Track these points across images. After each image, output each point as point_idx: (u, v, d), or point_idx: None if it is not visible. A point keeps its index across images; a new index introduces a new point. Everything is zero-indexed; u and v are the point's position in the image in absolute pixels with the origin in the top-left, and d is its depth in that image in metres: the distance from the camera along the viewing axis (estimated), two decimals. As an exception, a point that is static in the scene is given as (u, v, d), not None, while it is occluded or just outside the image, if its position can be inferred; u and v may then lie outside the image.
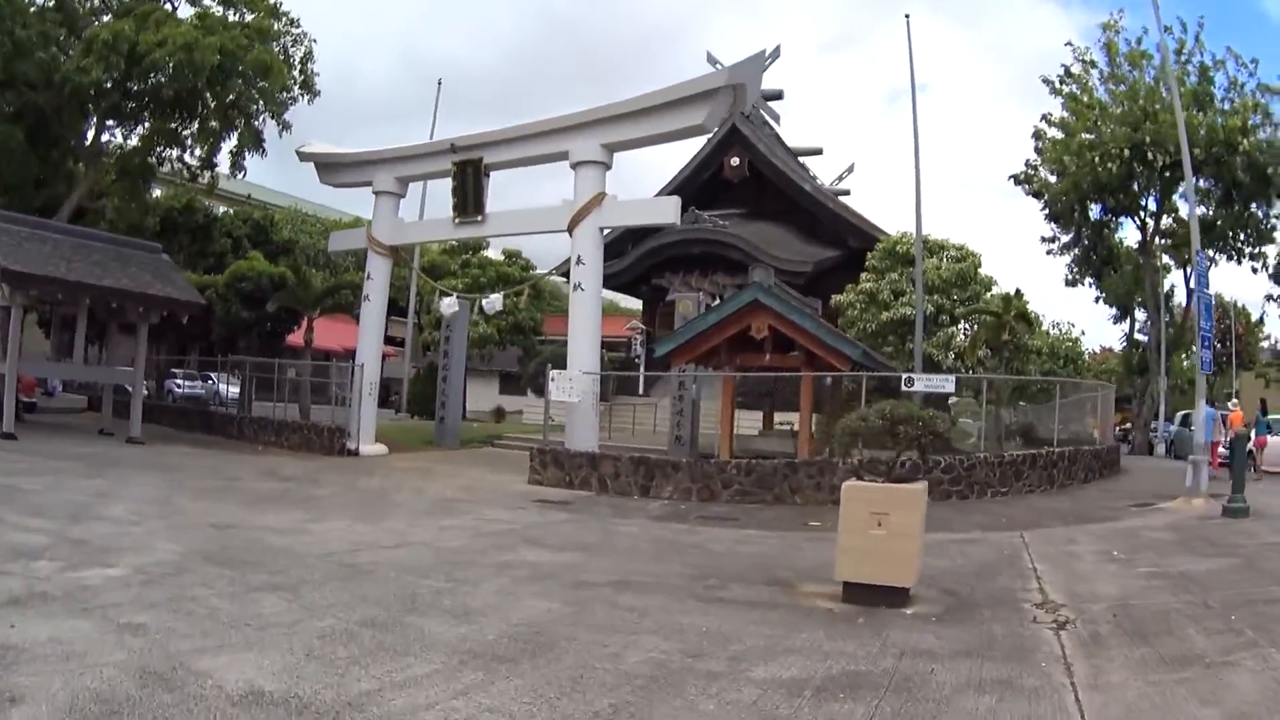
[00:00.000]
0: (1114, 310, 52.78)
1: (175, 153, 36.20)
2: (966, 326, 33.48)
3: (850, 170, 50.91)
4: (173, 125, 34.77)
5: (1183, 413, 38.53)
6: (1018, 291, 30.31)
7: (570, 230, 23.13)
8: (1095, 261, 44.77)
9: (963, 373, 27.43)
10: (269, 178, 74.86)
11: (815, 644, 7.96)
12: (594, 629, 8.22)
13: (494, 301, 26.75)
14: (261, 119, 34.35)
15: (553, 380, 21.90)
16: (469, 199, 25.36)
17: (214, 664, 6.56)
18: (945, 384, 20.91)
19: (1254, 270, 42.46)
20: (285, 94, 33.78)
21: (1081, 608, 9.41)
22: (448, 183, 25.93)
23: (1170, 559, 12.31)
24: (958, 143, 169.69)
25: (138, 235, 33.42)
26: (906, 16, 33.73)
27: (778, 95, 48.12)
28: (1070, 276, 45.98)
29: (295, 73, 34.47)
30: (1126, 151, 36.01)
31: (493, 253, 50.47)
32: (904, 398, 23.25)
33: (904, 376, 21.46)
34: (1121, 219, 43.57)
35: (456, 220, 25.81)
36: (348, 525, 13.91)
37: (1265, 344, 61.90)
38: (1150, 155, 35.85)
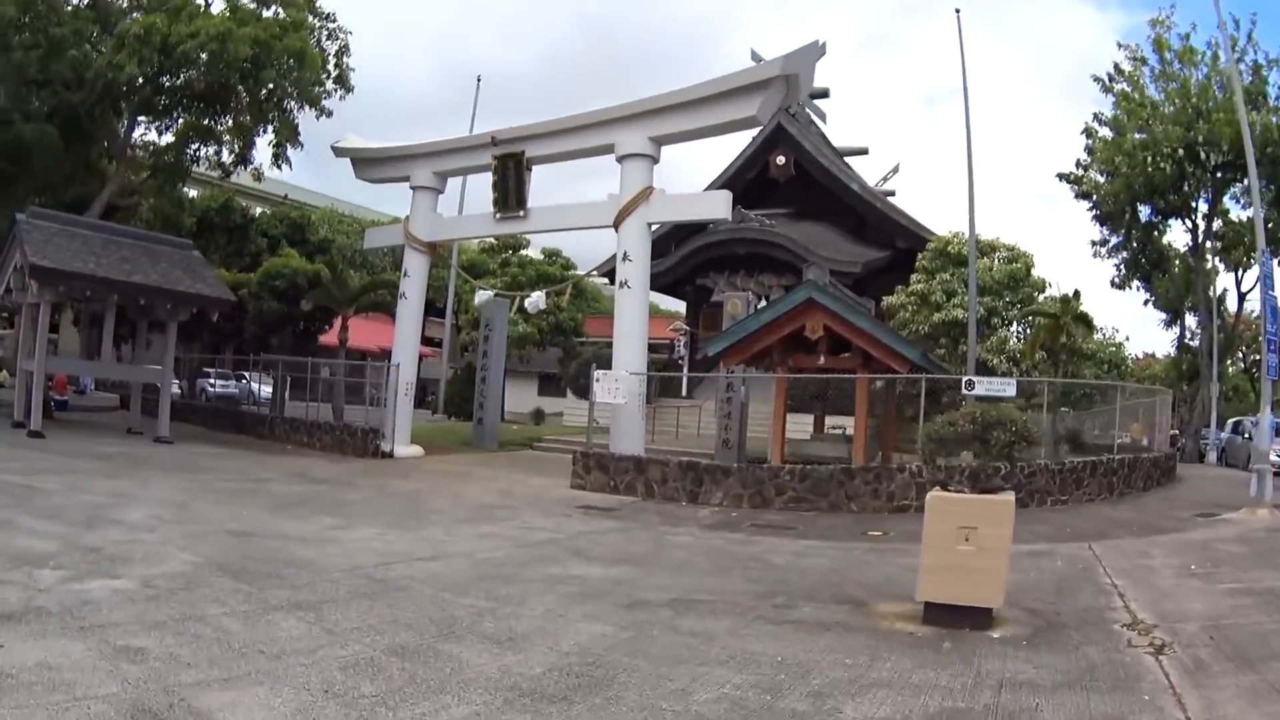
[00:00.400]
0: (1164, 315, 51.54)
1: (210, 149, 35.36)
2: (1019, 329, 32.86)
3: (895, 171, 50.09)
4: (206, 121, 34.00)
5: (1234, 419, 38.11)
6: (1075, 293, 29.44)
7: (616, 226, 22.28)
8: (1145, 264, 43.90)
9: (1018, 375, 26.59)
10: (305, 178, 74.59)
11: (903, 675, 7.04)
12: (655, 659, 7.26)
13: (536, 300, 25.87)
14: (296, 110, 33.49)
15: (597, 381, 20.91)
16: (510, 193, 24.48)
17: (217, 701, 5.68)
18: (1006, 387, 19.85)
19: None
20: (319, 88, 32.92)
21: (1174, 629, 8.56)
22: (487, 178, 25.12)
23: (1252, 574, 11.44)
24: (994, 144, 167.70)
25: (173, 233, 32.89)
26: (957, 11, 33.12)
27: (823, 93, 47.30)
28: (1118, 279, 45.14)
29: (330, 67, 33.59)
30: (1180, 150, 35.06)
31: (532, 252, 49.72)
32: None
33: (964, 380, 20.55)
34: (1170, 221, 42.31)
35: (497, 215, 24.90)
36: (378, 534, 12.96)
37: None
38: (1204, 155, 34.93)
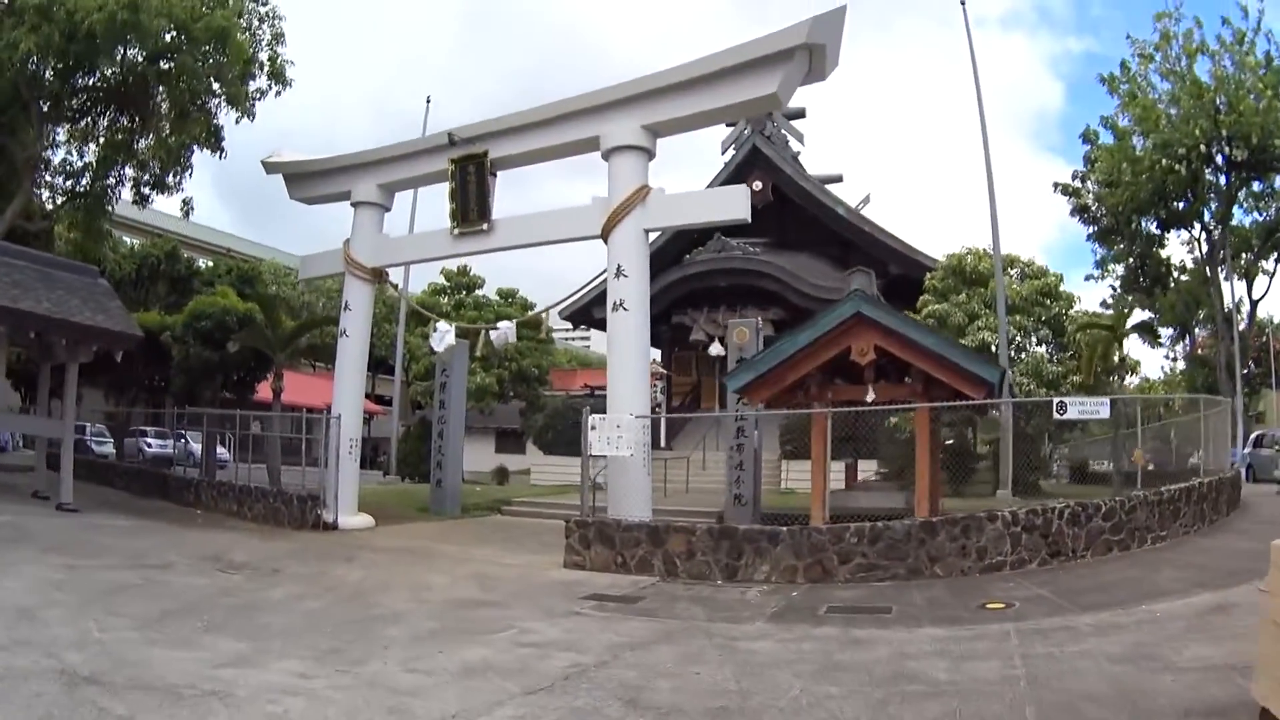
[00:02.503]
0: (1170, 330, 48.91)
1: (132, 170, 30.75)
2: (1049, 349, 29.96)
3: (867, 200, 46.26)
4: (125, 131, 29.38)
5: (1255, 433, 35.84)
6: (1131, 302, 26.27)
7: (605, 235, 18.14)
8: (1144, 281, 41.00)
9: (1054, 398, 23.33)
10: (249, 233, 71.34)
11: None
12: None
13: (505, 331, 21.34)
14: (222, 110, 28.90)
15: (593, 429, 16.51)
16: (471, 203, 20.28)
17: None
18: (1100, 408, 16.62)
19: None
20: (248, 79, 28.30)
21: None
22: (442, 191, 20.99)
23: None
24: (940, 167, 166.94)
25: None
26: (962, 3, 30.15)
27: (800, 114, 43.81)
28: (1111, 298, 42.47)
29: (263, 56, 28.93)
30: (1202, 148, 32.74)
31: (488, 292, 45.65)
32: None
33: (1055, 403, 16.63)
34: (1170, 233, 39.94)
35: (456, 231, 20.61)
36: (300, 675, 8.29)
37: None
38: (1228, 151, 32.83)
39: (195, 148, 29.40)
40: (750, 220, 18.23)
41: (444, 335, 22.28)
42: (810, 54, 16.84)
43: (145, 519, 21.27)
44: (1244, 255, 40.45)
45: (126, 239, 46.62)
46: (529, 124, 19.65)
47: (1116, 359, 25.54)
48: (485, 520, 24.59)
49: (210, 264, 46.89)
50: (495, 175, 20.21)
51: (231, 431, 26.44)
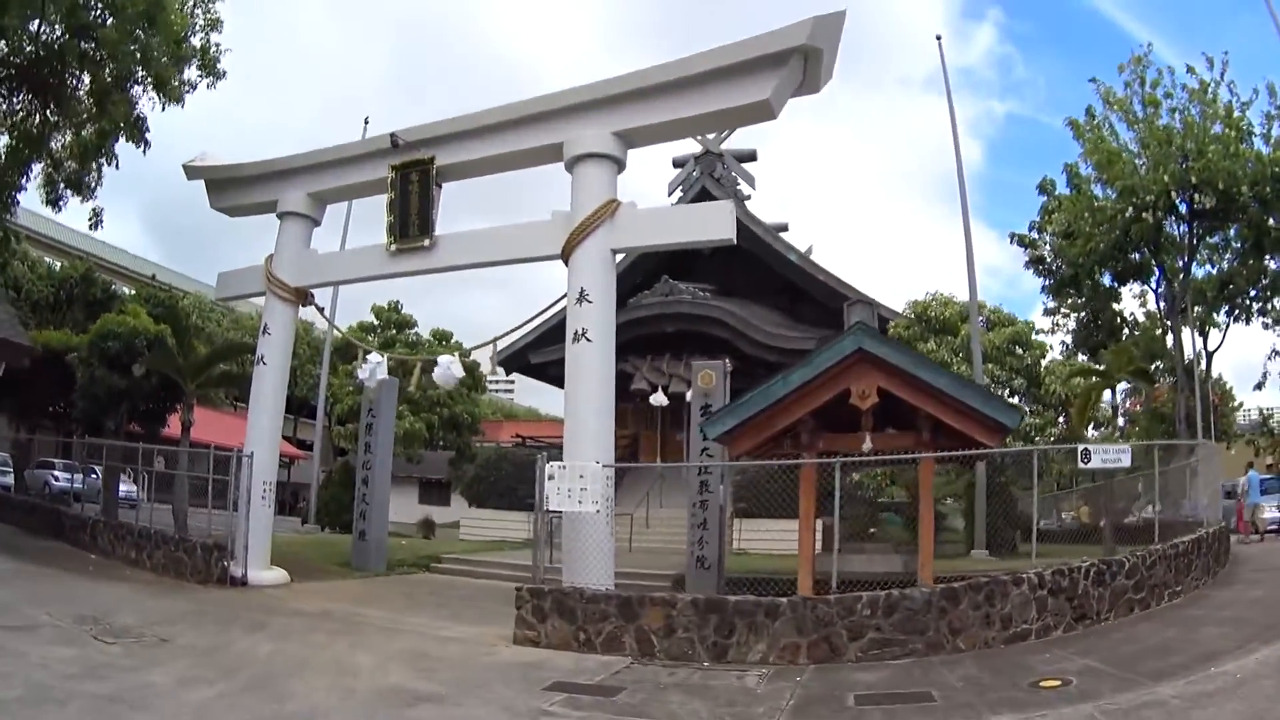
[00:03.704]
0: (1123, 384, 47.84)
1: (42, 166, 27.79)
2: (1023, 399, 29.80)
3: (809, 252, 44.31)
4: (37, 126, 26.45)
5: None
6: (1135, 341, 25.04)
7: (566, 255, 15.84)
8: (1097, 336, 39.29)
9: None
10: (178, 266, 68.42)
11: None
12: None
13: (447, 367, 18.63)
14: (150, 99, 25.99)
15: (550, 479, 14.02)
16: (412, 216, 17.89)
17: None
18: (1121, 456, 14.94)
19: (1265, 326, 38.01)
20: (180, 63, 25.42)
21: None
22: (377, 204, 18.72)
23: None
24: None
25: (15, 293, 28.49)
26: (938, 38, 28.98)
27: (750, 156, 41.46)
28: (1063, 353, 40.54)
29: (196, 42, 26.07)
30: (1172, 194, 31.16)
31: (421, 331, 43.27)
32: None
33: (1080, 449, 14.90)
34: (1127, 285, 38.19)
35: (393, 247, 18.16)
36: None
37: (1240, 414, 57.70)
38: (1194, 200, 31.34)
39: (118, 138, 26.38)
40: (734, 241, 15.94)
41: (374, 368, 19.66)
42: (806, 60, 14.89)
43: (27, 562, 18.59)
44: (1197, 308, 39.39)
45: (48, 259, 43.90)
46: (483, 127, 17.36)
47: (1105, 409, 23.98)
48: (413, 579, 22.05)
49: (132, 291, 43.81)
50: (441, 186, 17.94)
51: (135, 467, 23.68)
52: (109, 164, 25.86)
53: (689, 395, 31.49)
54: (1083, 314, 39.09)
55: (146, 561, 19.77)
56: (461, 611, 16.21)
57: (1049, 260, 36.75)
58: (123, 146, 25.17)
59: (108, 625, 12.53)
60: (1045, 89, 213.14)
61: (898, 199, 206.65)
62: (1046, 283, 37.30)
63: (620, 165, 16.28)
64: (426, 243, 17.76)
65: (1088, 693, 9.29)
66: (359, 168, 19.21)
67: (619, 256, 17.13)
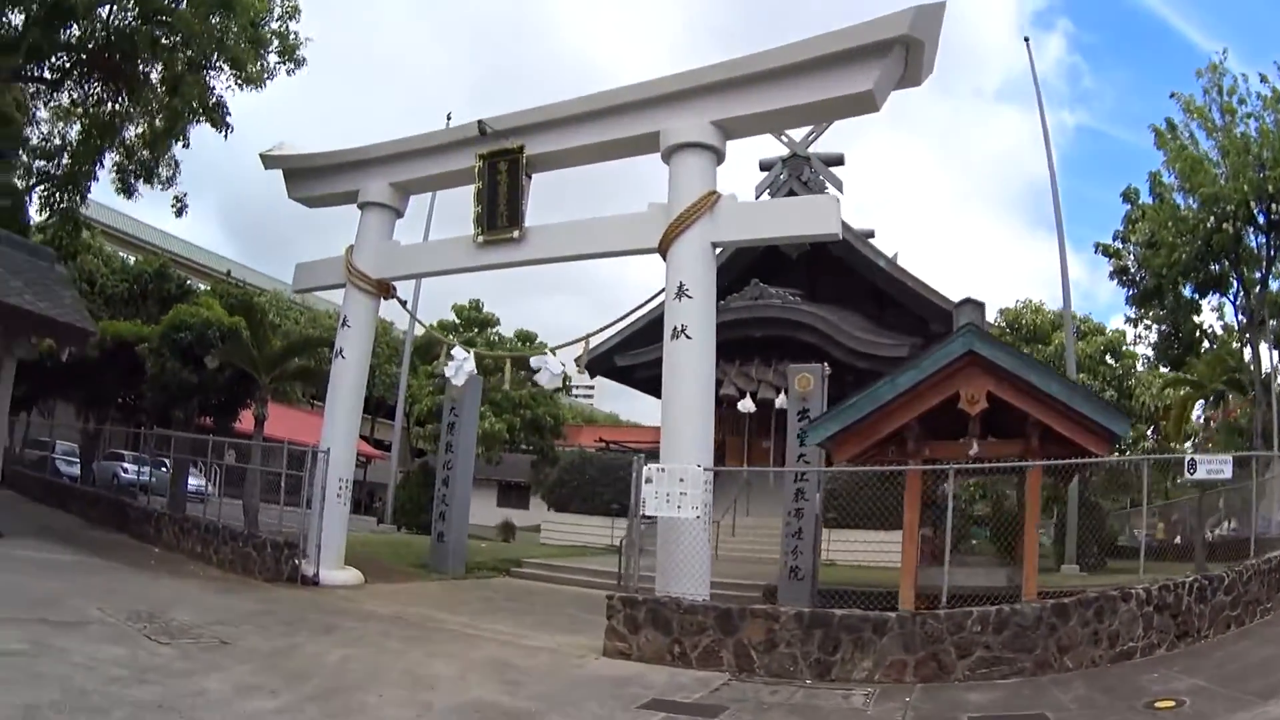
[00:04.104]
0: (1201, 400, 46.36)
1: (115, 159, 27.54)
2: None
3: (895, 258, 43.32)
4: (111, 115, 26.15)
5: None
6: (1230, 351, 26.37)
7: (664, 249, 15.15)
8: (1177, 348, 37.79)
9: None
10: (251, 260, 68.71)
11: None
12: None
13: (550, 365, 17.74)
14: (229, 86, 25.63)
15: (647, 482, 13.25)
16: (500, 207, 17.25)
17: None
18: (1224, 467, 13.93)
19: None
20: (259, 47, 25.00)
21: None
22: (461, 196, 18.23)
23: None
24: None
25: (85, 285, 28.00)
26: (1026, 40, 28.28)
27: (838, 160, 40.49)
28: (1146, 365, 38.99)
29: (273, 24, 25.66)
30: (1251, 204, 29.77)
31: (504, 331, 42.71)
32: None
33: (1186, 460, 14.52)
34: (1207, 298, 36.18)
35: (480, 239, 17.53)
36: None
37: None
38: (1271, 209, 29.85)
39: (194, 121, 25.99)
40: (839, 236, 15.16)
41: (461, 364, 18.90)
42: (907, 51, 14.14)
43: (87, 554, 17.97)
44: (1273, 321, 38.05)
45: (123, 254, 43.94)
46: (575, 116, 16.69)
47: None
48: (493, 583, 21.32)
49: (206, 287, 43.85)
50: (530, 176, 17.23)
51: (205, 461, 23.25)
52: (183, 145, 25.51)
53: (778, 402, 30.78)
54: (1163, 326, 37.41)
55: (213, 557, 19.23)
56: (545, 619, 15.49)
57: (1132, 270, 35.77)
58: (202, 140, 24.94)
59: (163, 623, 11.79)
60: (1113, 100, 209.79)
61: (971, 210, 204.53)
62: (1130, 293, 36.35)
63: (719, 156, 15.59)
64: (515, 234, 17.13)
65: (1203, 713, 8.88)
66: (444, 157, 18.60)
67: (718, 250, 16.24)
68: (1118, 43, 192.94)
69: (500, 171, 17.23)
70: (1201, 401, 45.97)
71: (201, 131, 27.15)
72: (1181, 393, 24.91)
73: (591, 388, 69.74)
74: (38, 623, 10.59)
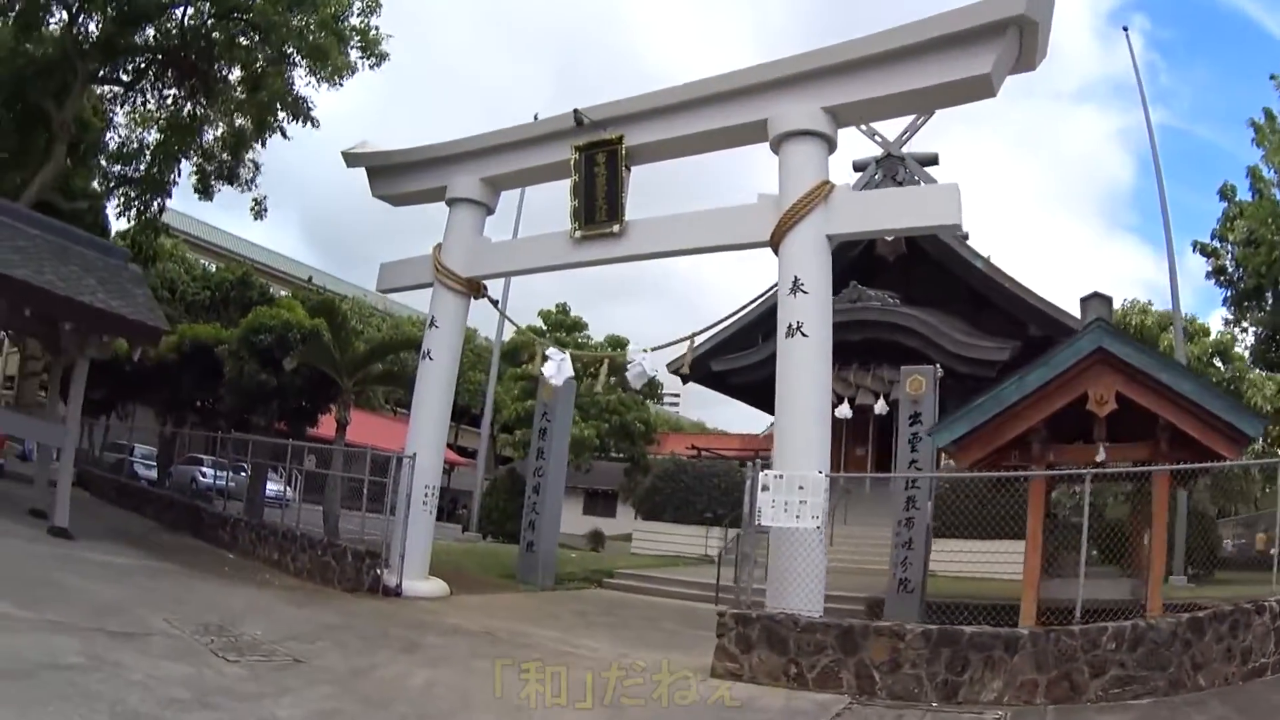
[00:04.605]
0: None
1: (195, 162, 27.28)
2: None
3: (987, 259, 42.16)
4: (189, 117, 25.86)
5: None
6: None
7: (776, 242, 14.26)
8: (1276, 350, 36.21)
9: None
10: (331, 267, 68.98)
11: None
12: None
13: (643, 364, 16.83)
14: (310, 83, 25.26)
15: (764, 490, 12.38)
16: (599, 200, 16.45)
17: None
18: None
19: None
20: (342, 45, 24.53)
21: None
22: (553, 191, 17.77)
23: None
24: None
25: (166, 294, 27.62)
26: (1125, 29, 27.12)
27: (933, 159, 39.42)
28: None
29: (355, 22, 25.17)
30: None
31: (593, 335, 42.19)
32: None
33: None
34: None
35: (577, 234, 16.74)
36: None
37: None
38: None
39: (278, 116, 25.60)
40: (963, 229, 14.15)
41: (560, 364, 18.10)
42: (1021, 33, 13.27)
43: (157, 558, 17.41)
44: None
45: (204, 262, 44.18)
46: (677, 104, 15.84)
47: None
48: (585, 595, 20.48)
49: (287, 294, 43.88)
50: (630, 168, 16.40)
51: (284, 465, 22.67)
52: (264, 143, 25.17)
53: (876, 408, 29.81)
54: (1261, 329, 35.84)
55: (290, 565, 18.59)
56: (643, 634, 14.61)
57: (1230, 270, 34.41)
58: (282, 150, 24.88)
59: (233, 638, 10.97)
60: (1191, 97, 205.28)
61: (1052, 211, 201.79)
62: (1228, 293, 35.02)
63: (831, 145, 14.69)
64: (615, 228, 16.31)
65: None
66: (537, 150, 17.85)
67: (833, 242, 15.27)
68: (1196, 39, 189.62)
69: (598, 163, 16.47)
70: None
71: (279, 143, 27.06)
72: None
73: (678, 395, 68.80)
74: (98, 632, 9.86)
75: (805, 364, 13.66)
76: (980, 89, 13.60)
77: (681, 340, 16.83)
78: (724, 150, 16.50)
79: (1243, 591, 13.94)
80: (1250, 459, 23.42)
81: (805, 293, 13.68)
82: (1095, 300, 14.75)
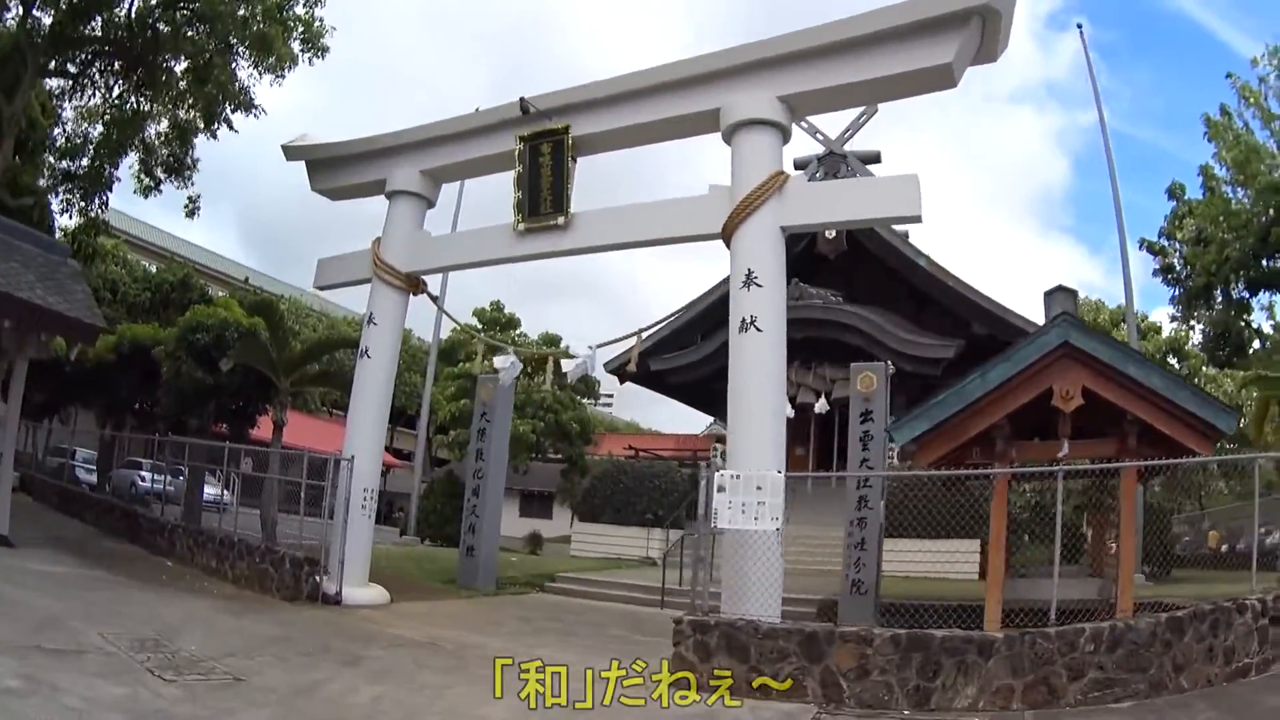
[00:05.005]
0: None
1: (137, 157, 26.54)
2: None
3: (930, 258, 42.11)
4: (134, 112, 25.12)
5: None
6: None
7: (728, 234, 13.85)
8: (1225, 349, 36.53)
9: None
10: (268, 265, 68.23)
11: None
12: None
13: (585, 360, 16.47)
14: (253, 75, 24.60)
15: (721, 490, 11.93)
16: (544, 192, 15.92)
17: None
18: None
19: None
20: (282, 26, 23.83)
21: None
22: (494, 185, 17.25)
23: None
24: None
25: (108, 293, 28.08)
26: (1079, 26, 27.26)
27: (875, 158, 39.21)
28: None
29: (299, 10, 24.47)
30: None
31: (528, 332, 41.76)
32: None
33: None
34: (1259, 295, 35.17)
35: (521, 227, 16.17)
36: None
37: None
38: None
39: (224, 107, 24.92)
40: (923, 219, 13.79)
41: (512, 364, 17.68)
42: (984, 23, 12.97)
43: (96, 567, 16.83)
44: None
45: (144, 263, 43.32)
46: (626, 93, 15.37)
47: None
48: (528, 600, 19.93)
49: (225, 295, 43.27)
50: (576, 159, 15.89)
51: (221, 469, 21.94)
52: (215, 134, 24.58)
53: (817, 406, 29.50)
54: (1208, 327, 36.62)
55: (228, 572, 17.98)
56: (593, 642, 14.05)
57: (1178, 269, 34.89)
58: (219, 150, 24.21)
59: (170, 654, 10.35)
60: (1130, 100, 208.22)
61: (985, 213, 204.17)
62: (1176, 292, 35.49)
63: (786, 134, 14.36)
64: (560, 221, 15.78)
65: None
66: (480, 141, 17.31)
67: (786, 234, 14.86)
68: (1137, 41, 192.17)
69: (543, 154, 15.96)
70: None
71: (216, 144, 26.42)
72: (1264, 391, 23.49)
73: (611, 396, 68.49)
74: (34, 651, 9.29)
75: (760, 359, 13.22)
76: (941, 79, 13.30)
77: (629, 336, 16.42)
78: (673, 141, 16.13)
79: (1204, 590, 13.80)
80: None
81: (759, 286, 13.28)
82: (1060, 293, 14.42)
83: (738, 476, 12.02)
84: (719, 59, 14.42)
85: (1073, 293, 14.84)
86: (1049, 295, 14.89)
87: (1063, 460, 12.65)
